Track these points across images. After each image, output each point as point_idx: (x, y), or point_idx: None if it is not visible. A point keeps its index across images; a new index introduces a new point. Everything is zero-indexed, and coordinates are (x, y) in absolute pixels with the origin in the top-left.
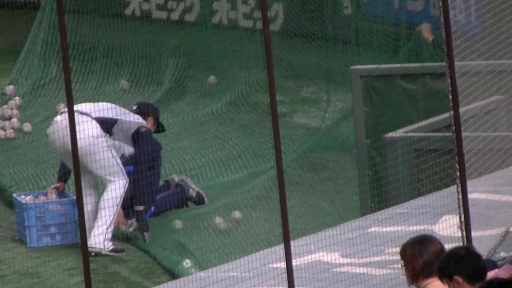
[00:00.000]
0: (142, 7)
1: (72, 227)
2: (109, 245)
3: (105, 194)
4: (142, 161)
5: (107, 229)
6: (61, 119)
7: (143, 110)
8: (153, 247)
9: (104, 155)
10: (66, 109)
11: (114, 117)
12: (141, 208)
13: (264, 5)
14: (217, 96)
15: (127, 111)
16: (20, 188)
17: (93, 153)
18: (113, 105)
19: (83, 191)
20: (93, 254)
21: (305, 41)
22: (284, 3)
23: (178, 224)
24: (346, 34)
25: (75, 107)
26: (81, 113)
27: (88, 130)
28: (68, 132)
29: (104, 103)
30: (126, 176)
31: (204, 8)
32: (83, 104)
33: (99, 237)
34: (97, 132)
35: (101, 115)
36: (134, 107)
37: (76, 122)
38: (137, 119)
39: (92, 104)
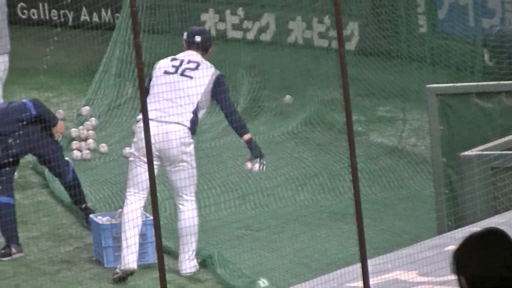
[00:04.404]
0: (217, 27)
1: (149, 247)
2: (197, 264)
3: (181, 215)
4: None
5: (195, 252)
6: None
7: (205, 45)
8: (225, 268)
9: (191, 164)
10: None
11: (196, 102)
12: None
13: (340, 24)
14: (293, 115)
15: (195, 75)
16: (97, 209)
17: (182, 162)
18: (189, 86)
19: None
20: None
21: (380, 60)
22: (360, 22)
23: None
24: (421, 52)
25: (165, 118)
26: (172, 122)
27: (180, 140)
28: (162, 139)
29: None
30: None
31: (279, 28)
32: (167, 110)
33: (192, 262)
34: (188, 140)
35: (190, 117)
36: (198, 39)
37: (169, 130)
38: (206, 72)
39: (172, 105)
